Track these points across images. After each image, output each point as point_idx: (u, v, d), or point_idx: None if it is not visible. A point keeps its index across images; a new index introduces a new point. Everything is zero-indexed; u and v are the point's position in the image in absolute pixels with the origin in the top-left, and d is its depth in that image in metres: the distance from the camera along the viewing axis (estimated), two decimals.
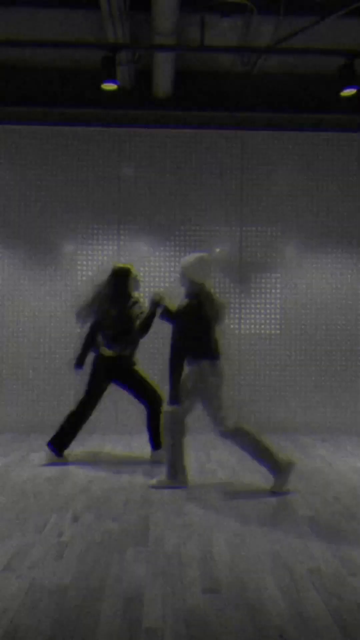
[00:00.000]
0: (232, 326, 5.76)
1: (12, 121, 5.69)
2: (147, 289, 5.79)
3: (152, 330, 4.24)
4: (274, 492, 3.65)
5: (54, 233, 5.74)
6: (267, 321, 5.79)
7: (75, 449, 4.78)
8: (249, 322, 5.78)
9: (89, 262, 5.75)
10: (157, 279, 5.76)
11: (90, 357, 4.50)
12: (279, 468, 3.65)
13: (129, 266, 4.50)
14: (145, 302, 4.32)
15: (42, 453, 4.56)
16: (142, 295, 4.57)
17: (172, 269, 5.77)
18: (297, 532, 3.05)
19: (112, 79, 4.36)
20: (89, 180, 5.76)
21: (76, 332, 5.70)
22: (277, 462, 3.66)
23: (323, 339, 5.82)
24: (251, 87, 5.59)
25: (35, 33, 4.68)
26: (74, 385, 5.68)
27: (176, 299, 5.31)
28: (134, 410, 5.05)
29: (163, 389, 4.16)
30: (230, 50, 5.02)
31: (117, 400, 5.32)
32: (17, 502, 3.48)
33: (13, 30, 4.74)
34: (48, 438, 4.55)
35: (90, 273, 5.72)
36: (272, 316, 5.79)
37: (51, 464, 4.35)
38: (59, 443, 4.42)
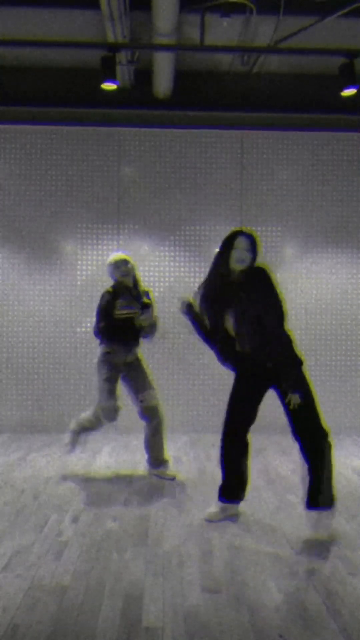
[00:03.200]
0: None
1: (12, 121, 5.69)
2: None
3: None
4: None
5: (54, 233, 5.74)
6: None
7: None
8: None
9: (89, 262, 5.74)
10: (157, 279, 5.75)
11: None
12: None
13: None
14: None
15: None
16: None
17: (172, 268, 5.77)
18: (297, 532, 3.05)
19: (112, 79, 4.36)
20: (89, 180, 5.76)
21: (76, 331, 5.71)
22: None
23: (323, 338, 5.82)
24: (251, 87, 5.59)
25: (35, 33, 4.68)
26: (74, 385, 5.69)
27: (172, 301, 5.23)
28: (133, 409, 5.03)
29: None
30: (230, 50, 5.02)
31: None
32: (17, 502, 3.48)
33: (13, 30, 4.74)
34: (48, 438, 4.54)
35: (89, 273, 5.72)
36: None
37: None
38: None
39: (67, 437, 4.25)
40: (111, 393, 3.98)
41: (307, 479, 3.04)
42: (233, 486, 3.24)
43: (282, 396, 3.03)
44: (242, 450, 3.22)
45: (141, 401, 4.01)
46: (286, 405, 3.00)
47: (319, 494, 3.00)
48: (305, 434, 3.01)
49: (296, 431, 3.03)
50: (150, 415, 4.02)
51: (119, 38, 4.47)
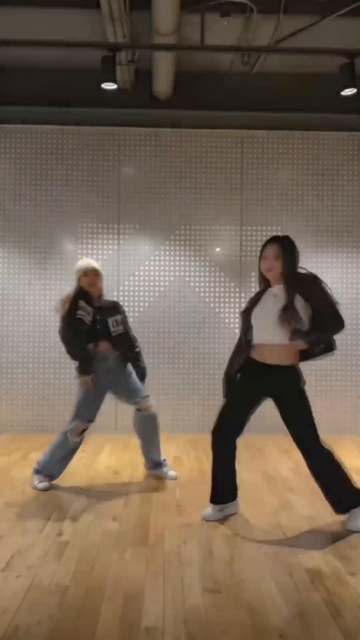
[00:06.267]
0: (232, 325, 5.76)
1: (12, 121, 5.69)
2: (147, 289, 5.81)
3: None
4: None
5: (54, 233, 5.74)
6: None
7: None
8: None
9: None
10: (157, 279, 5.75)
11: None
12: None
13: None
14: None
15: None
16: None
17: (172, 268, 5.77)
18: (297, 532, 3.05)
19: (111, 79, 4.36)
20: (89, 180, 5.76)
21: None
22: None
23: None
24: (251, 87, 5.59)
25: (36, 33, 4.67)
26: (75, 385, 5.69)
27: (172, 301, 5.26)
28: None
29: None
30: (230, 50, 5.02)
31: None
32: (17, 502, 3.48)
33: (13, 30, 4.74)
34: (48, 438, 4.52)
35: None
36: None
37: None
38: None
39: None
40: (90, 408, 3.75)
41: (321, 490, 3.09)
42: (223, 490, 3.26)
43: (279, 405, 3.11)
44: (229, 451, 3.23)
45: (138, 410, 3.92)
46: (285, 417, 3.08)
47: (342, 498, 3.05)
48: (306, 448, 3.05)
49: (297, 444, 3.07)
50: (146, 422, 3.94)
51: (119, 38, 4.47)
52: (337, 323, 3.03)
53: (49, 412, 5.67)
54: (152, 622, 2.11)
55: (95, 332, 3.77)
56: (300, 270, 3.13)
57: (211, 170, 5.80)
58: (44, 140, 5.74)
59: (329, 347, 3.07)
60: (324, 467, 3.03)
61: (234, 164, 5.82)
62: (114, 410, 5.56)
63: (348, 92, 4.55)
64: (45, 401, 5.69)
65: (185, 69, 5.46)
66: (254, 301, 3.24)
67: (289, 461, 4.50)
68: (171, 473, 4.04)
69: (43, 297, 5.72)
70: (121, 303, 5.88)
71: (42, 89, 5.51)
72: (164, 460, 4.09)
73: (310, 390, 5.74)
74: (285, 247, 3.12)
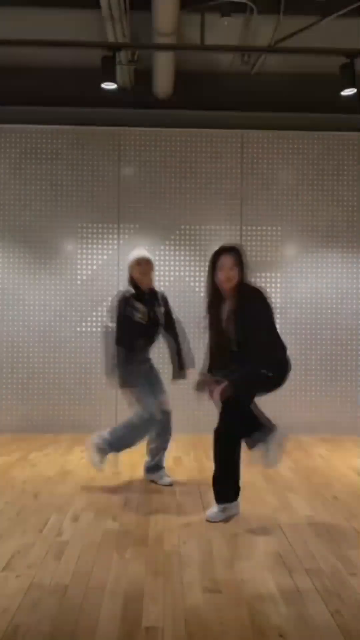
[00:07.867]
0: None
1: (12, 121, 5.69)
2: None
3: None
4: None
5: (54, 233, 5.74)
6: None
7: (76, 448, 4.78)
8: None
9: (89, 262, 5.75)
10: (157, 279, 5.74)
11: None
12: None
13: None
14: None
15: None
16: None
17: (172, 268, 5.77)
18: (297, 532, 3.05)
19: (111, 79, 4.36)
20: (89, 181, 5.76)
21: (77, 331, 5.71)
22: None
23: (323, 339, 5.82)
24: (251, 87, 5.59)
25: (35, 33, 4.67)
26: (75, 385, 5.69)
27: (172, 301, 5.22)
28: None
29: None
30: (230, 50, 5.02)
31: (117, 401, 5.32)
32: (17, 502, 3.48)
33: (13, 30, 4.74)
34: (48, 438, 4.53)
35: (89, 273, 5.73)
36: None
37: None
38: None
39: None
40: (150, 396, 3.80)
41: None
42: (229, 489, 3.27)
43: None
44: (239, 452, 3.28)
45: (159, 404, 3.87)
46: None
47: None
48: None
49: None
50: (164, 420, 3.89)
51: (119, 38, 4.47)
52: (259, 355, 2.98)
53: (50, 412, 5.67)
54: (152, 622, 2.11)
55: (149, 327, 3.84)
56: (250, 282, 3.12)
57: (211, 170, 5.80)
58: (43, 140, 5.74)
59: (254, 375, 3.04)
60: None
61: (234, 164, 5.82)
62: (114, 410, 5.56)
63: (348, 92, 4.55)
64: (45, 401, 5.69)
65: (185, 69, 5.46)
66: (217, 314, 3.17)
67: (289, 461, 4.50)
68: (166, 479, 3.94)
69: (43, 297, 5.72)
70: None
71: (42, 89, 5.51)
72: (163, 467, 4.01)
73: (310, 390, 5.75)
74: (239, 256, 3.07)
